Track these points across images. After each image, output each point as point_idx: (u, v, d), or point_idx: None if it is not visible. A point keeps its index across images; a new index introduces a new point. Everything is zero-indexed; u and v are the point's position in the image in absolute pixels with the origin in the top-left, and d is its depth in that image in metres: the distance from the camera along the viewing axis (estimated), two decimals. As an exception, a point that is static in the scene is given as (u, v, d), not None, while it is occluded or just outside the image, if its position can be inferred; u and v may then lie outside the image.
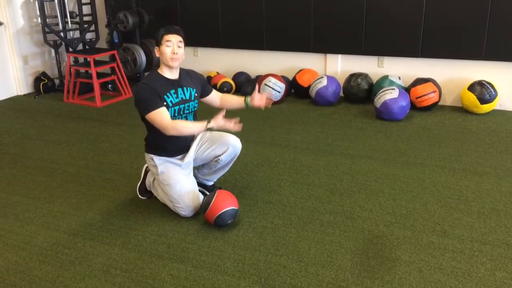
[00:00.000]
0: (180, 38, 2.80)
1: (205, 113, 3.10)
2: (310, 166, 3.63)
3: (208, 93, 3.06)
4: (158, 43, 2.79)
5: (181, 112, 2.87)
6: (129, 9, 6.04)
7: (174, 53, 2.75)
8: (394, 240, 2.62)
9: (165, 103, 2.77)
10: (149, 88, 2.73)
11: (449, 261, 2.42)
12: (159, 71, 2.85)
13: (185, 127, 2.76)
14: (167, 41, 2.75)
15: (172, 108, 2.81)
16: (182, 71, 2.93)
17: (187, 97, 2.88)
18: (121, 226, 2.84)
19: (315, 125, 4.59)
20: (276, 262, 2.45)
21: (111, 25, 6.02)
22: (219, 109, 2.88)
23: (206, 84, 3.06)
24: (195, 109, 2.96)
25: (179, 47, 2.78)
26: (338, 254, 2.50)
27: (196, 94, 2.94)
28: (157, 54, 2.82)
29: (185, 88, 2.87)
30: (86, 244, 2.66)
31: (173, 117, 2.83)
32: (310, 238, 2.66)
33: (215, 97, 3.10)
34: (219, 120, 2.70)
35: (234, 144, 2.99)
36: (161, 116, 2.71)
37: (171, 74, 2.84)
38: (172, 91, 2.81)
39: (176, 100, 2.83)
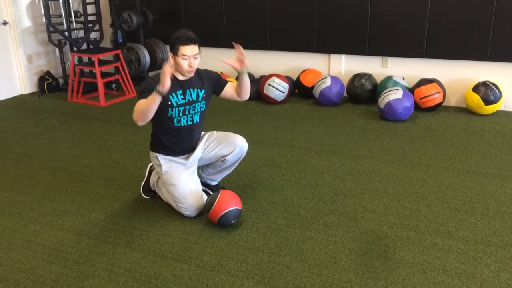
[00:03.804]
0: (197, 49, 2.70)
1: (212, 114, 3.09)
2: (314, 167, 3.62)
3: (222, 87, 2.95)
4: (174, 52, 2.69)
5: (187, 113, 2.86)
6: (133, 8, 6.05)
7: (190, 66, 2.70)
8: (398, 241, 2.61)
9: (169, 103, 2.77)
10: (155, 83, 2.63)
11: (453, 262, 2.41)
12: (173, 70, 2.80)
13: (141, 105, 2.62)
14: (184, 55, 2.66)
15: (177, 109, 2.81)
16: (195, 72, 2.87)
17: (194, 98, 2.86)
18: (124, 226, 2.85)
19: (319, 126, 4.59)
20: (280, 263, 2.45)
21: (115, 24, 6.03)
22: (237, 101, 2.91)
23: (219, 80, 2.97)
24: (202, 110, 2.94)
25: (195, 58, 2.71)
26: (342, 255, 2.50)
27: (204, 95, 2.90)
28: (171, 60, 2.72)
29: (192, 90, 2.85)
30: (90, 243, 2.67)
31: (178, 117, 2.83)
32: (314, 239, 2.65)
33: (230, 88, 2.96)
34: (164, 83, 2.52)
35: (241, 145, 2.99)
36: (138, 103, 2.66)
37: (183, 76, 2.80)
38: (180, 92, 2.80)
39: (182, 102, 2.81)
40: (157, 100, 2.58)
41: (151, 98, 2.58)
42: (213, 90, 2.97)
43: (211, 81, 2.95)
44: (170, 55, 2.74)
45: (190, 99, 2.85)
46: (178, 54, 2.68)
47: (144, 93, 2.69)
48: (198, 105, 2.89)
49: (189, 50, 2.67)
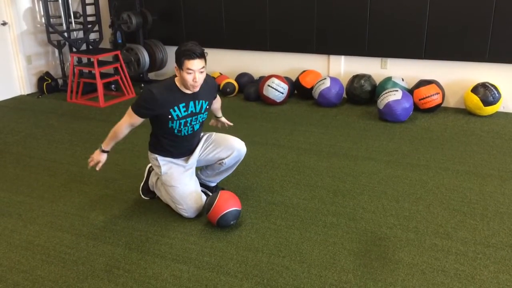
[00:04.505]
0: (202, 63, 2.62)
1: (211, 114, 3.09)
2: (313, 168, 3.62)
3: (213, 99, 3.06)
4: (179, 65, 2.64)
5: (188, 124, 2.82)
6: (133, 9, 6.06)
7: (195, 81, 2.63)
8: (397, 242, 2.61)
9: (169, 116, 2.72)
10: (152, 101, 2.67)
11: (452, 263, 2.42)
12: (177, 82, 2.73)
13: (112, 132, 2.85)
14: (188, 69, 2.60)
15: (178, 121, 2.76)
16: (204, 81, 2.78)
17: (197, 110, 2.82)
18: (124, 226, 2.84)
19: (318, 126, 4.59)
20: (279, 263, 2.45)
21: (114, 25, 6.03)
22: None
23: (216, 91, 3.03)
24: (203, 119, 2.92)
25: (201, 72, 2.64)
26: (341, 256, 2.50)
27: (207, 107, 2.88)
28: (176, 73, 2.69)
29: (197, 102, 2.80)
30: (89, 244, 2.67)
31: (179, 128, 2.80)
32: (313, 240, 2.66)
33: (214, 104, 3.15)
34: (99, 157, 2.90)
35: (239, 148, 2.98)
36: (129, 117, 2.78)
37: (188, 89, 2.73)
38: (182, 105, 2.74)
39: (184, 114, 2.76)
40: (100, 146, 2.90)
41: (104, 141, 2.89)
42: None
43: (213, 92, 2.97)
44: (175, 68, 2.69)
45: (194, 111, 2.80)
46: (183, 68, 2.61)
47: (137, 107, 2.73)
48: (200, 116, 2.86)
49: (194, 64, 2.59)
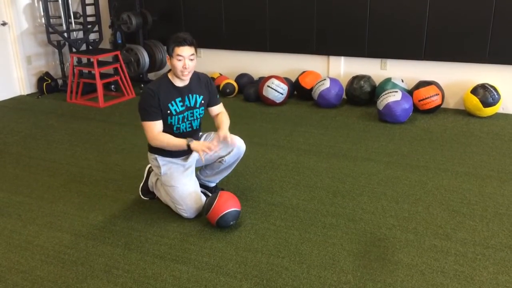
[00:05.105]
0: (192, 51, 2.70)
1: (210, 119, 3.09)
2: (313, 168, 3.63)
3: (212, 105, 3.00)
4: (169, 53, 2.71)
5: (185, 120, 2.85)
6: (133, 10, 6.06)
7: (185, 67, 2.69)
8: (397, 243, 2.61)
9: (168, 111, 2.76)
10: (153, 98, 2.70)
11: (452, 264, 2.42)
12: (169, 76, 2.80)
13: (168, 141, 2.74)
14: (178, 55, 2.66)
15: (176, 116, 2.80)
16: (194, 76, 2.87)
17: (193, 104, 2.85)
18: (123, 227, 2.84)
19: (318, 127, 4.59)
20: (278, 264, 2.45)
21: (114, 25, 6.03)
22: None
23: (214, 95, 2.99)
24: (201, 116, 2.93)
25: (191, 60, 2.70)
26: (340, 257, 2.50)
27: (202, 102, 2.89)
28: (168, 63, 2.76)
29: (191, 96, 2.84)
30: (89, 245, 2.67)
31: (178, 124, 2.83)
32: (312, 240, 2.66)
33: (215, 111, 3.02)
34: (200, 143, 2.71)
35: (239, 146, 2.99)
36: (151, 127, 2.75)
37: (181, 81, 2.80)
38: (178, 99, 2.78)
39: (181, 109, 2.80)
40: (184, 148, 2.72)
41: (180, 144, 2.72)
42: (207, 101, 2.98)
43: (210, 91, 2.96)
44: (167, 57, 2.75)
45: (189, 105, 2.84)
46: (173, 55, 2.68)
47: (147, 113, 2.72)
48: (197, 112, 2.89)
49: (183, 51, 2.66)
